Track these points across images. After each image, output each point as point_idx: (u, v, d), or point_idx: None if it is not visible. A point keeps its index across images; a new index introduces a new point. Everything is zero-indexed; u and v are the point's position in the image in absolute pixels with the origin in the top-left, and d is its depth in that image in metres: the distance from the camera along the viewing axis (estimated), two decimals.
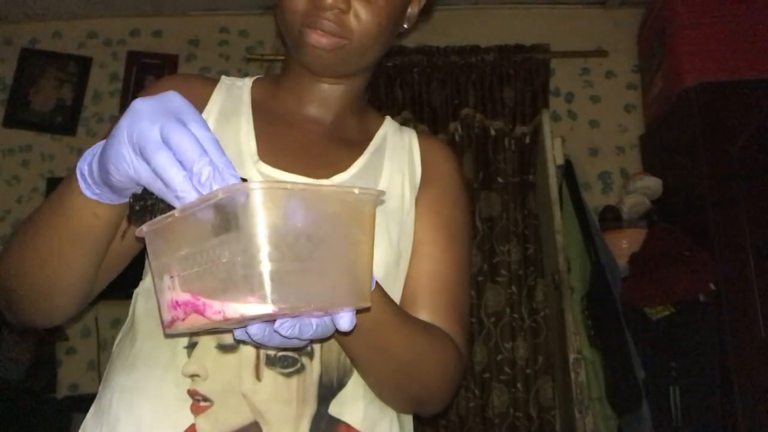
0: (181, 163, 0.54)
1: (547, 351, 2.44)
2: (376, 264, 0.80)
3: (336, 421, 0.77)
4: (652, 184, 2.54)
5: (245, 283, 0.51)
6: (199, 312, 0.54)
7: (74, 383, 2.65)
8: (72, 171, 0.66)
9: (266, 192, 0.51)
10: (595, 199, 2.74)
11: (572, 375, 2.21)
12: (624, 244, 2.48)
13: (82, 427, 0.81)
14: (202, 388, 0.75)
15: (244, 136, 0.87)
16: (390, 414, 0.84)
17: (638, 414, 2.21)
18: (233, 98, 0.91)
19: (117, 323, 2.70)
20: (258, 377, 0.75)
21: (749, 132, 2.17)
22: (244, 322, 0.54)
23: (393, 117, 1.03)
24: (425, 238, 0.90)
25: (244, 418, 0.74)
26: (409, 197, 0.91)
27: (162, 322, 0.59)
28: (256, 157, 0.85)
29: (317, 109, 0.92)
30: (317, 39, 0.82)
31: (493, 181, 2.59)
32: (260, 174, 0.83)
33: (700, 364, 2.14)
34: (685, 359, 2.20)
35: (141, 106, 0.57)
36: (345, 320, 0.59)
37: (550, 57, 2.73)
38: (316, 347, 0.78)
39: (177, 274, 0.56)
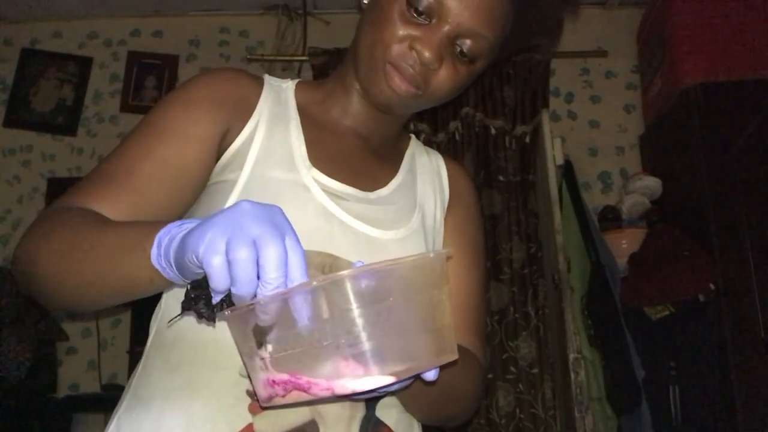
0: (259, 267, 0.56)
1: (548, 351, 2.44)
2: None
3: (381, 424, 0.80)
4: (652, 184, 2.54)
5: (355, 361, 0.56)
6: (302, 389, 0.58)
7: (74, 383, 2.66)
8: (153, 226, 0.65)
9: (356, 277, 0.55)
10: (594, 199, 2.74)
11: (572, 375, 2.22)
12: (624, 244, 2.48)
13: (116, 424, 0.80)
14: None
15: (295, 140, 0.87)
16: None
17: (638, 414, 2.21)
18: (281, 100, 0.92)
19: (117, 323, 2.71)
20: None
21: (749, 132, 2.17)
22: (351, 394, 0.59)
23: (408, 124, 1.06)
24: (451, 257, 0.94)
25: (303, 417, 0.75)
26: (439, 217, 0.96)
27: (257, 397, 0.62)
28: (309, 163, 0.86)
29: (362, 125, 0.94)
30: (398, 84, 0.85)
31: (494, 180, 2.59)
32: (314, 180, 0.84)
33: (699, 364, 2.15)
34: (685, 359, 2.20)
35: (249, 208, 0.58)
36: (432, 372, 0.63)
37: (550, 57, 2.73)
38: None
39: (269, 355, 0.59)
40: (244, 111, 0.87)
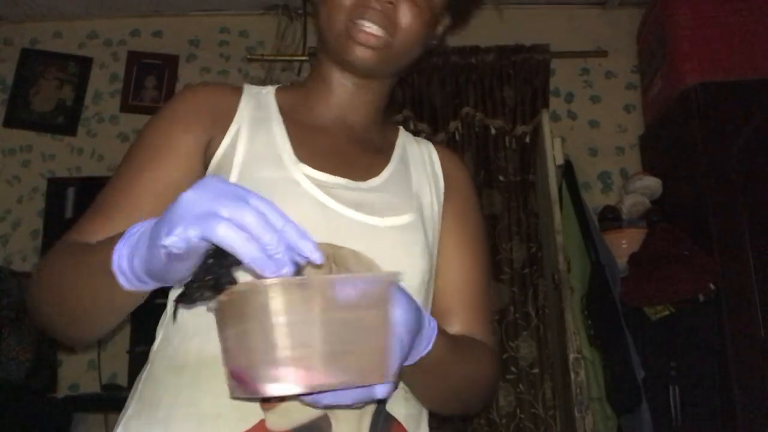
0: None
1: (548, 351, 2.44)
2: (416, 273, 0.87)
3: (391, 418, 0.81)
4: (652, 184, 2.54)
5: (269, 366, 0.56)
6: (242, 384, 0.59)
7: (74, 383, 2.65)
8: (107, 247, 0.67)
9: (280, 286, 0.55)
10: (594, 199, 2.74)
11: (572, 375, 2.22)
12: (624, 244, 2.48)
13: (124, 426, 0.80)
14: None
15: (279, 139, 0.89)
16: (424, 411, 0.90)
17: (638, 414, 2.21)
18: (261, 105, 0.93)
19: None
20: None
21: (749, 132, 2.17)
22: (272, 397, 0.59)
23: (394, 116, 1.05)
24: (454, 249, 0.96)
25: (315, 412, 0.75)
26: (437, 208, 0.96)
27: (228, 387, 0.64)
28: (296, 159, 0.87)
29: (345, 112, 0.96)
30: (365, 38, 0.87)
31: (494, 180, 2.59)
32: (304, 175, 0.85)
33: (699, 364, 2.15)
34: (685, 359, 2.20)
35: (190, 195, 0.57)
36: (381, 391, 0.62)
37: (550, 57, 2.73)
38: None
39: (230, 347, 0.61)
40: (224, 120, 0.89)
